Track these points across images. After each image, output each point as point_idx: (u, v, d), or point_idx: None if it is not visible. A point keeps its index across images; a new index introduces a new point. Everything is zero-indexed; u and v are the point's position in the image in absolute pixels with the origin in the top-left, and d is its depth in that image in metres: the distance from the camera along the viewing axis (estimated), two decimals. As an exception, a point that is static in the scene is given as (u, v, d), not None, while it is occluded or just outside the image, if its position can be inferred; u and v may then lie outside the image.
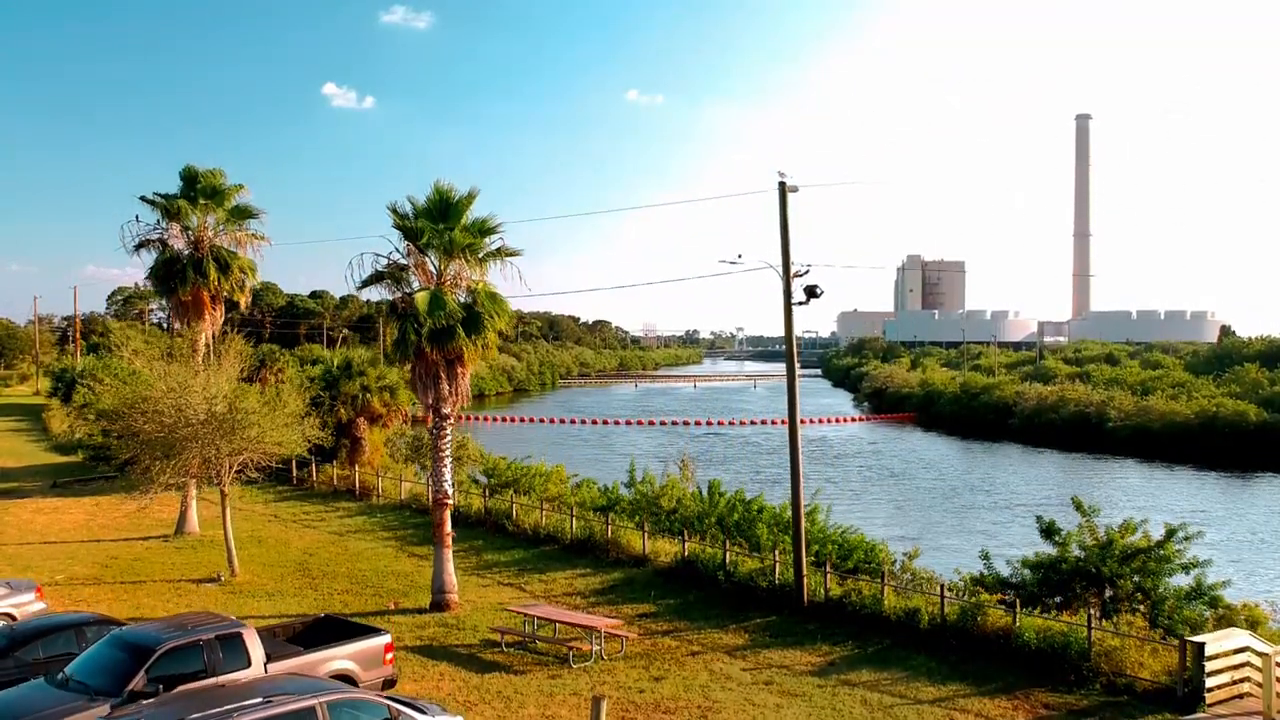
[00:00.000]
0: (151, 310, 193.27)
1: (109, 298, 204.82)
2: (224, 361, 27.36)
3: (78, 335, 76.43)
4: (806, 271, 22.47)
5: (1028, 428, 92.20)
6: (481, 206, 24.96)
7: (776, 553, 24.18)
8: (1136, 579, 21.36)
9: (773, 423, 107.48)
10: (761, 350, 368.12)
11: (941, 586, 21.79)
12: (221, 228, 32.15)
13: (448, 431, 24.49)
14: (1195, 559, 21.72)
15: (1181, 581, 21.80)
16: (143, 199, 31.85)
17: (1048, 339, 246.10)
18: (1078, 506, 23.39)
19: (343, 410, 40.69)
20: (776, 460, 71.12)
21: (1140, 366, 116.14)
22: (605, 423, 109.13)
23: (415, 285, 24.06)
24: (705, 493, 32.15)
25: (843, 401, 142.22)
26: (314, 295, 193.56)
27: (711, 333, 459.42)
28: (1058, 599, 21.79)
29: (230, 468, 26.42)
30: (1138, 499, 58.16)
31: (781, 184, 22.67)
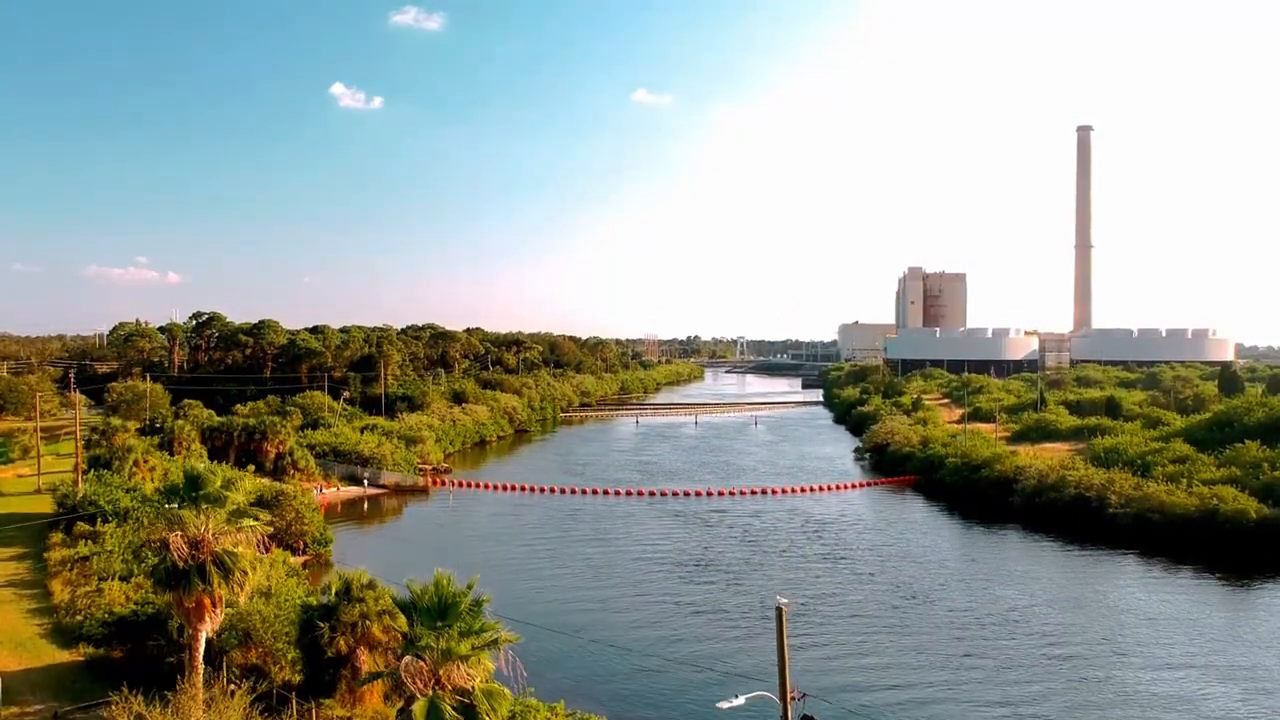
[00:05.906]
0: (153, 349, 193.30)
1: (110, 334, 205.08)
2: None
3: (79, 455, 76.45)
4: (803, 697, 22.43)
5: (1029, 507, 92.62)
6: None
7: None
8: None
9: (773, 492, 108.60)
10: (764, 362, 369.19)
11: None
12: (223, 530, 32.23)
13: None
14: None
15: None
16: (144, 501, 31.90)
17: (1049, 355, 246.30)
18: None
19: (342, 641, 40.48)
20: (786, 563, 72.21)
21: (1142, 424, 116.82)
22: (606, 493, 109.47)
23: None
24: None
25: (844, 451, 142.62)
26: (315, 331, 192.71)
27: (712, 338, 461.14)
28: None
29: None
30: (1140, 628, 57.68)
31: (779, 609, 22.60)
